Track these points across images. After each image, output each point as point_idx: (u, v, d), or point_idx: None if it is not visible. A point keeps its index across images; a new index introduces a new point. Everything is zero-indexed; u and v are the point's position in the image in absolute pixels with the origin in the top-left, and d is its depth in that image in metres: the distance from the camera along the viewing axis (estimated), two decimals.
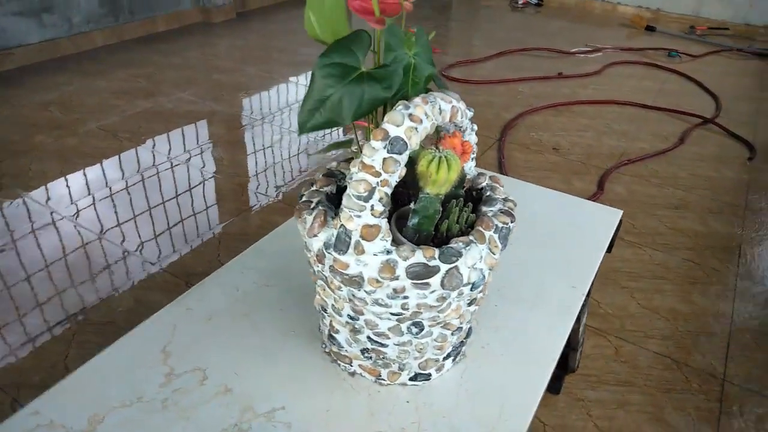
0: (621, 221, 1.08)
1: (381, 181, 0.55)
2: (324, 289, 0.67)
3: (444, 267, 0.57)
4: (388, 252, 0.57)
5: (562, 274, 0.91)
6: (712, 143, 2.62)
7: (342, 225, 0.57)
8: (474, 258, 0.59)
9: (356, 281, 0.59)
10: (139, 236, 1.75)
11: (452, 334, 0.67)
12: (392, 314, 0.62)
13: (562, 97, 2.94)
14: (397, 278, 0.57)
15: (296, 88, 2.93)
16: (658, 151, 2.47)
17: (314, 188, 0.68)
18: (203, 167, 2.13)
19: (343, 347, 0.70)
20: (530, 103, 2.82)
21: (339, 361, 0.72)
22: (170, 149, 2.24)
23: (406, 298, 0.59)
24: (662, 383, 1.38)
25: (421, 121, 0.57)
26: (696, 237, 1.95)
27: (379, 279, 0.58)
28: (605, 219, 1.06)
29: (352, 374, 0.71)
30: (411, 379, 0.70)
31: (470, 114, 0.67)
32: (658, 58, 3.63)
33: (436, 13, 4.47)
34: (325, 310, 0.70)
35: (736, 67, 3.62)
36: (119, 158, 2.15)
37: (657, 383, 1.38)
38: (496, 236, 0.62)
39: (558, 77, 3.19)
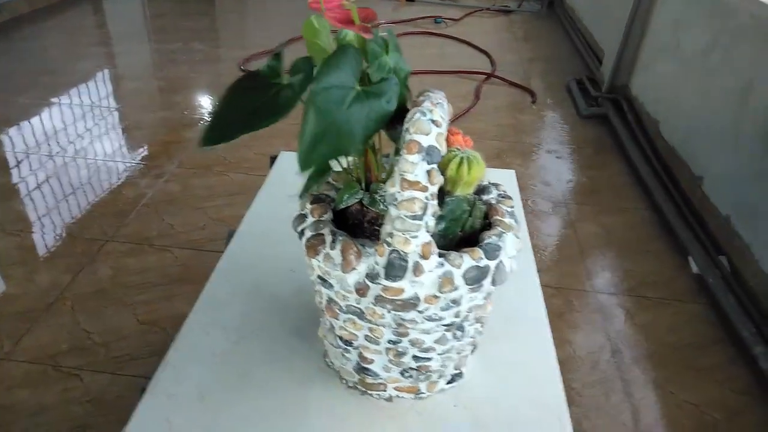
0: None
1: (430, 194, 0.52)
2: (354, 323, 0.61)
3: (492, 264, 0.57)
4: (442, 265, 0.55)
5: None
6: (500, 94, 2.96)
7: (394, 250, 0.53)
8: (511, 247, 0.59)
9: (411, 304, 0.56)
10: None
11: (482, 326, 0.68)
12: (443, 325, 0.60)
13: None
14: (456, 288, 0.55)
15: (80, 109, 2.55)
16: (464, 111, 2.72)
17: (313, 219, 0.61)
18: (11, 226, 1.76)
19: (379, 375, 0.65)
20: None
21: (371, 391, 0.68)
22: None
23: (459, 305, 0.58)
24: (553, 311, 1.56)
25: (440, 125, 0.55)
26: (524, 179, 2.21)
27: (438, 294, 0.55)
28: (507, 179, 1.15)
29: (390, 399, 0.68)
30: (448, 382, 0.69)
31: None
32: (427, 26, 3.95)
33: (203, 5, 4.23)
34: (350, 344, 0.64)
35: (490, 25, 4.12)
36: None
37: (551, 312, 1.56)
38: (513, 221, 0.63)
39: None
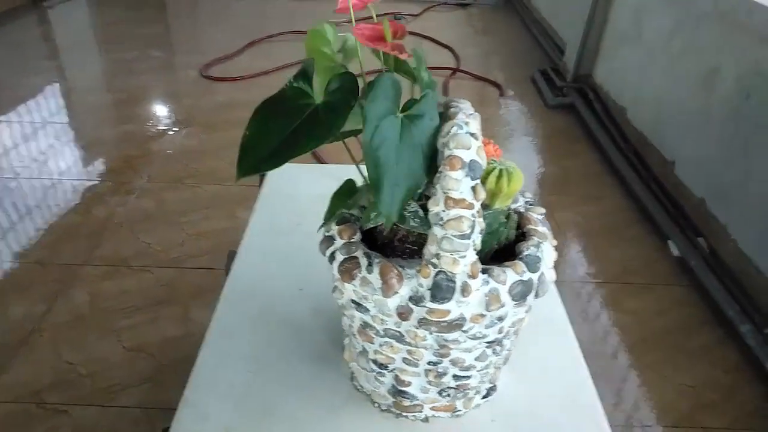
0: None
1: (476, 211, 0.50)
2: (392, 346, 0.59)
3: (534, 276, 0.56)
4: (486, 282, 0.53)
5: None
6: (468, 89, 2.97)
7: (441, 271, 0.51)
8: (549, 257, 0.58)
9: (457, 324, 0.54)
10: None
11: (516, 337, 0.66)
12: (486, 342, 0.58)
13: None
14: (503, 305, 0.53)
15: (32, 128, 2.42)
16: None
17: (343, 241, 0.58)
18: None
19: (416, 397, 0.63)
20: None
21: (406, 413, 0.65)
22: None
23: (503, 321, 0.56)
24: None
25: (478, 138, 0.53)
26: None
27: (485, 313, 0.53)
28: None
29: (426, 420, 0.66)
30: (483, 397, 0.67)
31: None
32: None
33: (154, 11, 4.08)
34: (385, 367, 0.62)
35: (449, 19, 4.13)
36: None
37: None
38: (546, 229, 0.62)
39: None
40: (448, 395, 0.64)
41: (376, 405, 0.67)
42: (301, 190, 1.08)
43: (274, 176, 1.12)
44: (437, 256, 0.51)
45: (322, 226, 0.59)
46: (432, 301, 0.52)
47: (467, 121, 0.53)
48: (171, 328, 1.43)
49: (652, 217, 1.94)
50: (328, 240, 0.60)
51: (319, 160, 2.20)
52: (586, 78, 2.85)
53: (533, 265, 0.56)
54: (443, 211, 0.50)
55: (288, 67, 3.08)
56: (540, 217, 0.63)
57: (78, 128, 2.45)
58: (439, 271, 0.51)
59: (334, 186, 1.07)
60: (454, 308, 0.53)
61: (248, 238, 0.95)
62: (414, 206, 0.59)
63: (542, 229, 0.61)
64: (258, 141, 0.49)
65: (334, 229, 0.60)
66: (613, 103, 2.55)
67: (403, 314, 0.54)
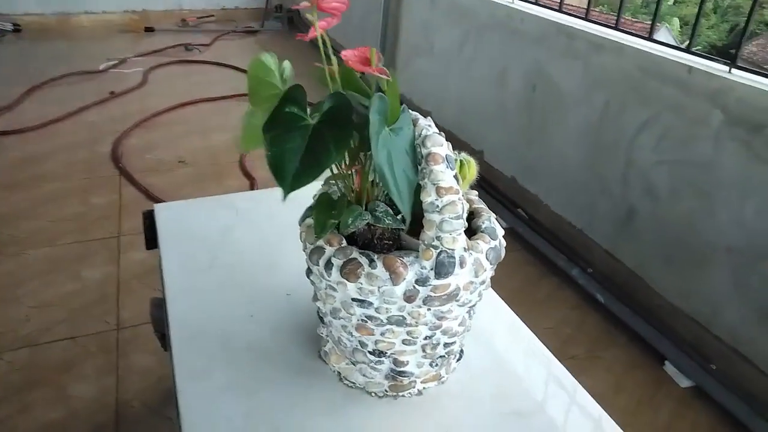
0: None
1: (462, 195, 0.60)
2: (393, 332, 0.66)
3: (497, 243, 0.68)
4: (471, 254, 0.63)
5: None
6: None
7: (443, 251, 0.60)
8: (499, 227, 0.71)
9: (454, 295, 0.63)
10: None
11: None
12: (468, 308, 0.68)
13: (134, 114, 2.82)
14: (486, 270, 0.64)
15: None
16: None
17: (335, 248, 0.64)
18: None
19: (413, 374, 0.71)
20: (115, 129, 2.62)
21: (402, 392, 0.72)
22: None
23: (483, 284, 0.67)
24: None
25: (443, 135, 0.63)
26: None
27: (473, 280, 0.64)
28: None
29: (420, 393, 0.74)
30: (457, 360, 0.78)
31: None
32: (180, 54, 3.80)
33: None
34: (383, 354, 0.68)
35: (242, 46, 4.15)
36: None
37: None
38: (485, 206, 0.74)
39: (113, 96, 3.01)
40: (437, 364, 0.72)
41: (373, 394, 0.73)
42: (199, 226, 1.06)
43: (163, 217, 1.08)
44: (437, 238, 0.60)
45: (317, 239, 0.64)
46: (436, 278, 0.61)
47: (429, 123, 0.63)
48: (49, 412, 1.26)
49: None
50: (319, 250, 0.65)
51: (152, 198, 2.09)
52: None
53: (493, 234, 0.68)
54: (437, 199, 0.59)
55: (84, 110, 2.82)
56: (477, 197, 0.76)
57: None
58: (441, 251, 0.60)
59: (230, 215, 1.10)
60: (452, 281, 0.62)
61: (171, 284, 0.91)
62: (383, 207, 0.67)
63: (484, 206, 0.74)
64: (282, 160, 0.53)
65: (321, 239, 0.65)
66: (418, 109, 2.85)
67: (411, 297, 0.62)
